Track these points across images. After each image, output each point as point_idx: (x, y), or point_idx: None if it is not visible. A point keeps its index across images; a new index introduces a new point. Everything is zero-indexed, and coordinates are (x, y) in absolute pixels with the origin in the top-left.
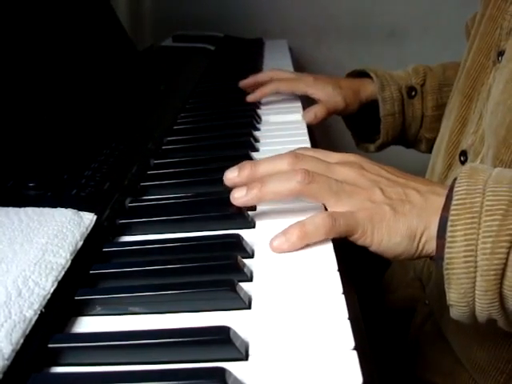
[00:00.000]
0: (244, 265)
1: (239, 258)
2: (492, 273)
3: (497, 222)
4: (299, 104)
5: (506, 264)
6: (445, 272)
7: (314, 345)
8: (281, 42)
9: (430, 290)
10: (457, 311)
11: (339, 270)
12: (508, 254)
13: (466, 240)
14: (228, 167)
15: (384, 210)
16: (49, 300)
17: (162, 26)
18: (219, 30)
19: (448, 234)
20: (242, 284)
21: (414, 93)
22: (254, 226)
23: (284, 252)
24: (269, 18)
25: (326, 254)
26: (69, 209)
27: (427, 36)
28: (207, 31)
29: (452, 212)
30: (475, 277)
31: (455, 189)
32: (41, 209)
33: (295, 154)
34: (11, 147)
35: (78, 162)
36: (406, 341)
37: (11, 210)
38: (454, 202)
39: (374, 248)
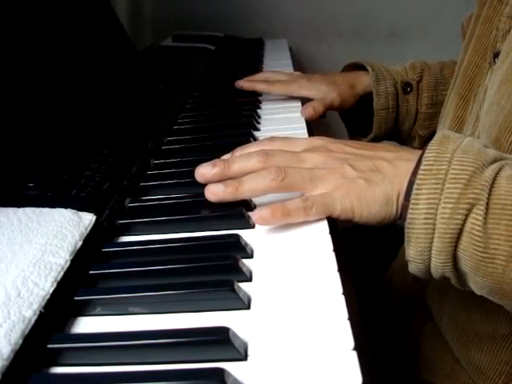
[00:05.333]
0: (243, 265)
1: (238, 258)
2: (448, 236)
3: (458, 191)
4: (299, 104)
5: (461, 229)
6: (406, 230)
7: (314, 345)
8: (281, 41)
9: (430, 292)
10: (414, 266)
11: (339, 271)
12: (464, 220)
13: (428, 204)
14: None
15: (358, 183)
16: (48, 300)
17: (162, 26)
18: (219, 29)
19: (412, 196)
20: (241, 284)
21: (409, 89)
22: (253, 226)
23: (266, 225)
24: (269, 17)
25: (326, 254)
26: (68, 209)
27: (427, 36)
28: (207, 31)
29: (419, 177)
30: (432, 238)
31: (425, 155)
32: (40, 209)
33: (264, 151)
34: (11, 147)
35: (78, 162)
36: (405, 342)
37: (10, 211)
38: (421, 167)
39: (356, 220)
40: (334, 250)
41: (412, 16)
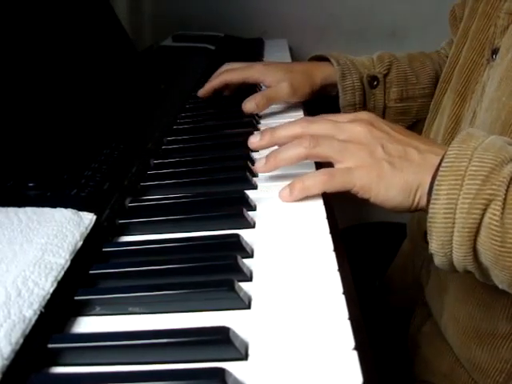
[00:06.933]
0: (244, 265)
1: (239, 257)
2: (467, 230)
3: (476, 187)
4: (300, 104)
5: (480, 224)
6: (428, 224)
7: (314, 345)
8: (281, 41)
9: (429, 291)
10: (438, 260)
11: (339, 270)
12: (482, 215)
13: (447, 199)
14: (228, 167)
15: (382, 165)
16: (48, 300)
17: (162, 26)
18: (219, 30)
19: (433, 191)
20: (241, 284)
21: (375, 82)
22: (253, 226)
23: (289, 201)
24: (269, 17)
25: (327, 253)
26: (68, 209)
27: (427, 36)
28: (207, 31)
29: (440, 173)
30: (452, 231)
31: (447, 152)
32: (40, 209)
33: (308, 119)
34: (11, 147)
35: (78, 161)
36: (405, 341)
37: (11, 210)
38: (443, 164)
39: (372, 200)
40: (335, 249)
41: (412, 16)
